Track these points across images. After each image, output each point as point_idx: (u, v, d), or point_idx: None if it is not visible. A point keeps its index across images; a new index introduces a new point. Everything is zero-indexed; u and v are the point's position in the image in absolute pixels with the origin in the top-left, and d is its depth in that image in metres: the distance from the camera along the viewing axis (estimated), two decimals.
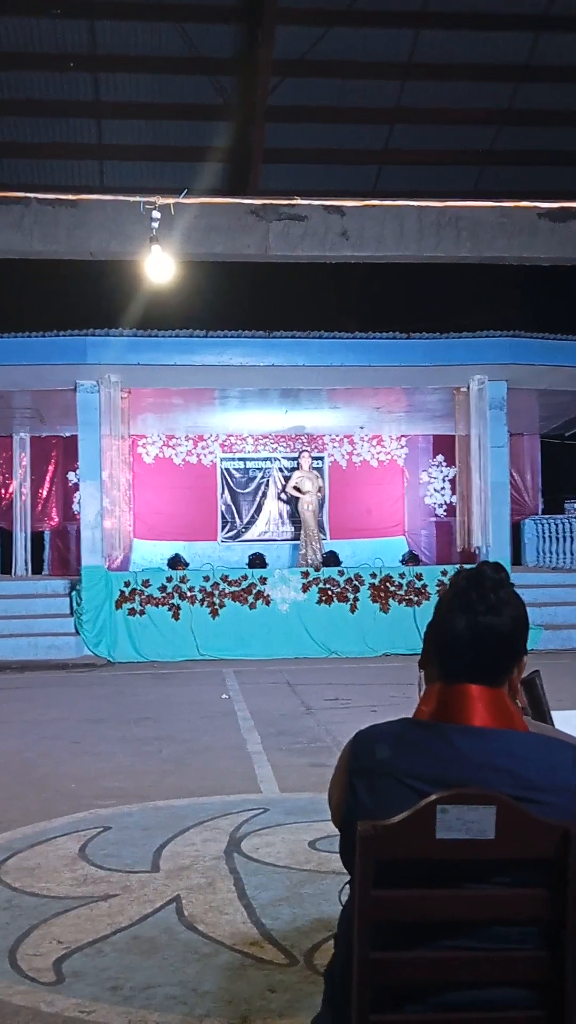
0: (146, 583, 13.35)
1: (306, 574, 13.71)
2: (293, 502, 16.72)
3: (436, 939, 1.80)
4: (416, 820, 1.74)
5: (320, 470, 17.30)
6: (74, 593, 13.62)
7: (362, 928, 1.77)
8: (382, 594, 13.59)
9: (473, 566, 1.99)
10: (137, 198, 9.34)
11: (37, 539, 17.54)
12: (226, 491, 17.67)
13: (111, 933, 3.96)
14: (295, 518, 16.87)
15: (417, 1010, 1.81)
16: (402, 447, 18.20)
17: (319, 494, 16.40)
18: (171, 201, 9.29)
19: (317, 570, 13.91)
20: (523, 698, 2.15)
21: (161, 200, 9.20)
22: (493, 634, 1.86)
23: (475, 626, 1.86)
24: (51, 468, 17.54)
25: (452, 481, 17.06)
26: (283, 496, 17.28)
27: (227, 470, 17.69)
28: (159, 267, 9.52)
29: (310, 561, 15.27)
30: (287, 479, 16.84)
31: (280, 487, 17.34)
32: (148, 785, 6.43)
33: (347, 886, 1.90)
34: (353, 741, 1.93)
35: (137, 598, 13.28)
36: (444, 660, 1.90)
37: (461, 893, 1.79)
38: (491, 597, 1.88)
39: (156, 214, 9.16)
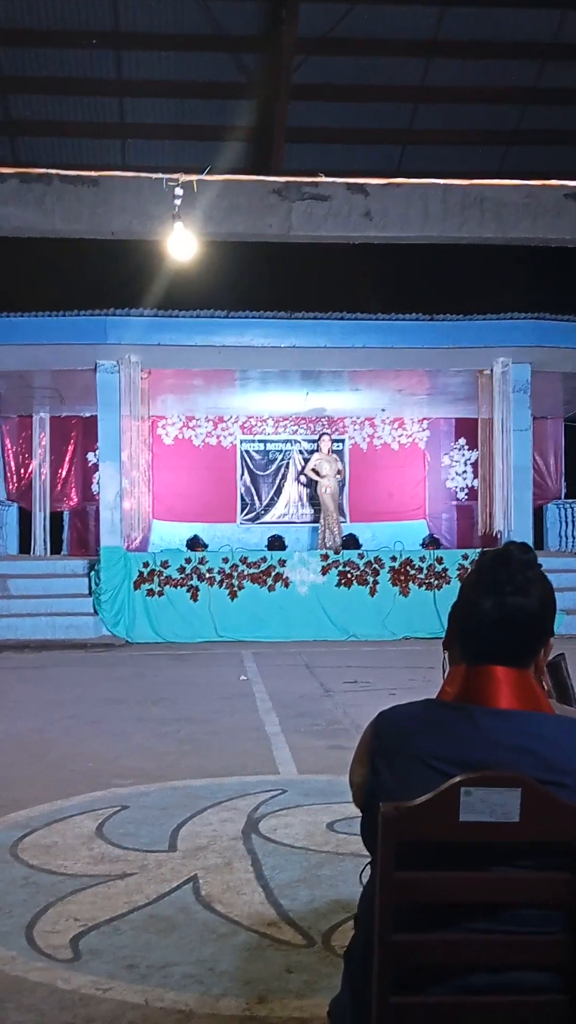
0: (165, 564, 13.35)
1: (325, 557, 13.68)
2: (312, 485, 16.67)
3: (457, 922, 1.78)
4: (439, 802, 1.71)
5: (340, 453, 17.22)
6: (93, 573, 13.62)
7: (384, 910, 1.75)
8: (402, 577, 13.54)
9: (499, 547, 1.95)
10: (159, 175, 9.29)
11: (56, 519, 17.56)
12: (246, 473, 17.63)
13: (128, 911, 3.96)
14: (315, 501, 16.81)
15: (438, 992, 1.79)
16: (424, 430, 18.10)
17: (338, 477, 16.31)
18: (193, 178, 9.23)
19: (337, 553, 13.87)
20: (548, 680, 2.12)
21: (184, 177, 9.15)
22: (521, 615, 1.83)
23: (503, 607, 1.83)
24: (70, 448, 17.55)
25: (474, 465, 16.97)
26: (302, 479, 17.23)
27: (247, 452, 17.65)
28: (181, 245, 9.46)
29: (329, 544, 15.23)
30: (307, 461, 16.79)
31: (300, 469, 17.28)
32: (166, 765, 6.44)
33: (368, 867, 1.88)
34: (376, 721, 1.91)
35: (156, 579, 13.28)
36: (469, 641, 1.87)
37: (484, 876, 1.76)
38: (519, 577, 1.85)
39: (179, 191, 9.10)
